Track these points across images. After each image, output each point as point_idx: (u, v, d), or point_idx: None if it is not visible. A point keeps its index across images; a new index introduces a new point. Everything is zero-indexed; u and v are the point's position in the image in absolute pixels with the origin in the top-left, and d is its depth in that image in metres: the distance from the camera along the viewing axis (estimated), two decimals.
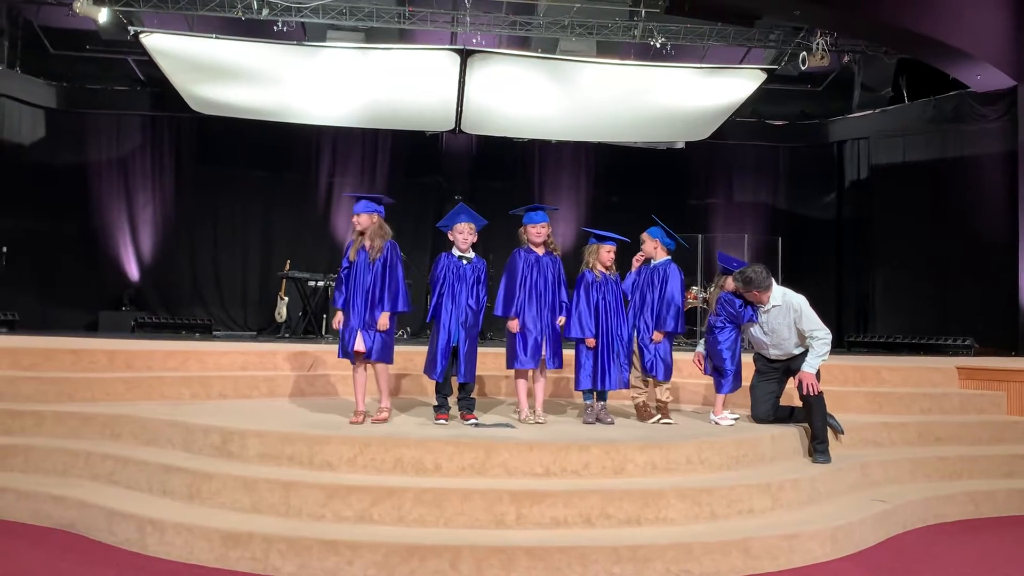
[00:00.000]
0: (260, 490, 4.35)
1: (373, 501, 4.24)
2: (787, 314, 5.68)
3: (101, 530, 4.43)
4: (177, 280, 13.77)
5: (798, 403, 5.70)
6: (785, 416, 5.78)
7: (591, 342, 5.62)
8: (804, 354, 5.61)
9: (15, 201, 12.21)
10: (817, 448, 5.41)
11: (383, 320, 5.35)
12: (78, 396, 5.96)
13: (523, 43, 12.48)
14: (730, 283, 5.88)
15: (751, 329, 5.88)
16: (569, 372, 5.91)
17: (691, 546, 4.07)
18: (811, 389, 5.45)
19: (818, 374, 5.54)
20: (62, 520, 4.65)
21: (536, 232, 5.67)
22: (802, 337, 5.66)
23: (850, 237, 13.97)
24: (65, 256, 12.88)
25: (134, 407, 5.73)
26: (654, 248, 6.05)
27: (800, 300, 5.68)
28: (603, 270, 5.76)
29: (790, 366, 5.77)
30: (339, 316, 5.45)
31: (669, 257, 6.07)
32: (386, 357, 5.42)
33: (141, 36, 11.05)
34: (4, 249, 11.63)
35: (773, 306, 5.74)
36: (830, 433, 5.58)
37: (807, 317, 5.59)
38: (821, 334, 5.55)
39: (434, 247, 13.14)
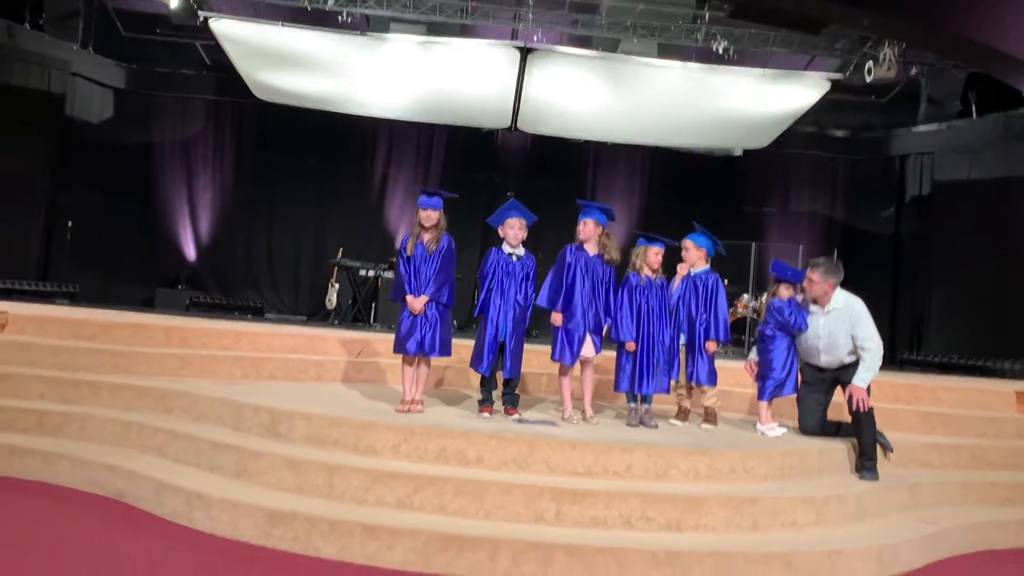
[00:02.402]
0: (305, 471, 4.42)
1: (415, 488, 4.29)
2: (846, 318, 5.55)
3: (149, 500, 4.55)
4: (232, 262, 14.02)
5: (847, 418, 5.59)
6: (833, 430, 5.68)
7: (631, 346, 5.59)
8: (854, 364, 5.50)
9: (82, 178, 12.55)
10: (865, 464, 5.31)
11: (417, 302, 5.30)
12: (134, 370, 6.12)
13: (584, 42, 12.42)
14: (783, 291, 5.79)
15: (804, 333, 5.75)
16: (611, 374, 5.89)
17: (732, 555, 4.04)
18: (862, 404, 5.35)
19: (868, 390, 5.44)
20: (112, 488, 4.78)
21: (578, 230, 5.66)
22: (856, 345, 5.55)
23: (908, 253, 13.62)
24: (126, 233, 13.18)
25: (187, 383, 5.87)
26: (699, 257, 5.98)
27: (861, 305, 5.57)
28: (649, 273, 5.71)
29: (839, 376, 5.66)
30: (411, 300, 5.36)
31: (709, 266, 6.00)
32: (443, 351, 5.39)
33: (210, 21, 11.29)
34: (69, 224, 11.98)
35: (834, 308, 5.62)
36: (879, 450, 5.46)
37: (864, 324, 5.48)
38: (872, 344, 5.44)
39: (484, 242, 13.17)
